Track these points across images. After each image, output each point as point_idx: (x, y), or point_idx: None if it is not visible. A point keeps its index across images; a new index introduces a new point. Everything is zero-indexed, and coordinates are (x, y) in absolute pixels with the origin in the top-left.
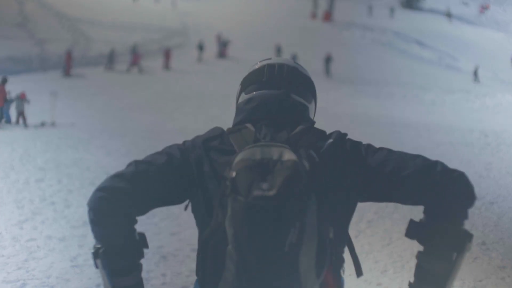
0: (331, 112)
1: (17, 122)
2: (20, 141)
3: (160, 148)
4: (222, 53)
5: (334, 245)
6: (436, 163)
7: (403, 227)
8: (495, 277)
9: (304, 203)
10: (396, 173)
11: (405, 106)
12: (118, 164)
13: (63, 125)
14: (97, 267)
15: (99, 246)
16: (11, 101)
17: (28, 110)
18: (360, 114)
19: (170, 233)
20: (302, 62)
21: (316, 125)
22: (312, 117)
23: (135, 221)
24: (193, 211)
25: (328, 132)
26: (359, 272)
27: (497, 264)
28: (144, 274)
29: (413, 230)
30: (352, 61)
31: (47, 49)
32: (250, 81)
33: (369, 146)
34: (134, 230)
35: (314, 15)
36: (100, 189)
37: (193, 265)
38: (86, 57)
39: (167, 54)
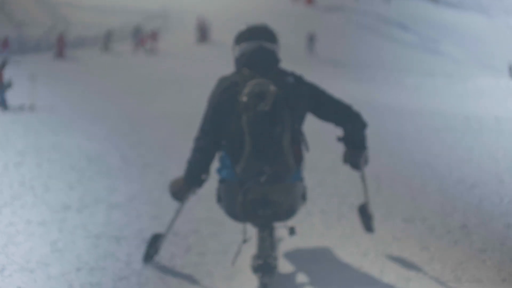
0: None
1: None
2: None
3: (140, 131)
4: (203, 37)
5: (298, 132)
6: (357, 113)
7: (386, 211)
8: (476, 260)
9: (283, 112)
10: (329, 102)
11: (387, 90)
12: (99, 148)
13: (42, 109)
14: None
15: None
16: (7, 85)
17: (8, 93)
18: (342, 97)
19: (151, 217)
20: (283, 44)
21: None
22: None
23: (213, 157)
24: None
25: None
26: (307, 147)
27: (478, 247)
28: (124, 257)
29: (341, 140)
30: (334, 44)
31: (25, 32)
32: (240, 38)
33: (315, 86)
34: (210, 164)
35: None
36: (193, 150)
37: (173, 249)
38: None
39: (153, 37)
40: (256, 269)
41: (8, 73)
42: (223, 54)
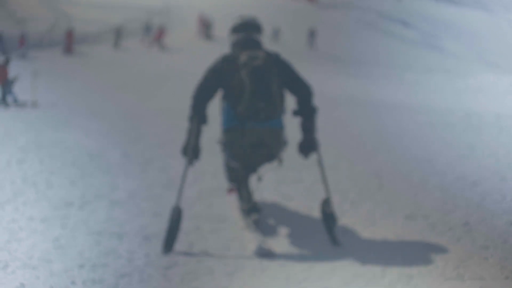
0: (314, 92)
1: None
2: (0, 122)
3: (140, 127)
4: (207, 35)
5: (281, 88)
6: (308, 85)
7: (386, 207)
8: (478, 257)
9: (271, 68)
10: (296, 75)
11: (387, 86)
12: (99, 145)
13: (44, 105)
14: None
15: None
16: (12, 81)
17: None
18: (342, 94)
19: (152, 214)
20: (285, 40)
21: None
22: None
23: (208, 102)
24: (224, 88)
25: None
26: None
27: (480, 245)
28: (126, 254)
29: (297, 113)
30: (335, 40)
31: (27, 28)
32: (235, 29)
33: (289, 64)
34: (205, 107)
35: None
36: (194, 91)
37: (176, 246)
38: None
39: (160, 33)
40: (248, 211)
41: (14, 69)
42: (224, 49)
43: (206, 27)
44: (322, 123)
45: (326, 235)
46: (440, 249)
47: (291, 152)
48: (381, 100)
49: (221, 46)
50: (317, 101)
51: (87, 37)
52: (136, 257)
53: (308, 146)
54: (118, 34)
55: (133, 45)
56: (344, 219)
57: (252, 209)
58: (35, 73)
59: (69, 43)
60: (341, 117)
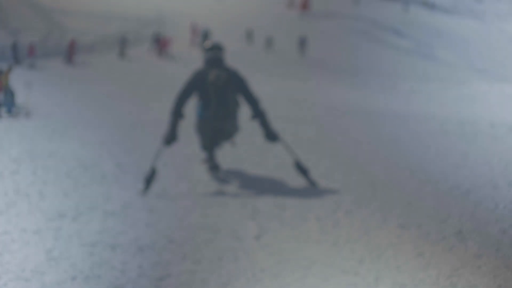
0: (309, 102)
1: None
2: None
3: (135, 138)
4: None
5: (235, 97)
6: (257, 96)
7: (381, 217)
8: (471, 266)
9: (229, 86)
10: (249, 91)
11: (382, 95)
12: (94, 155)
13: (38, 115)
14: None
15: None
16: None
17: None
18: (336, 103)
19: (146, 225)
20: (278, 49)
21: (294, 114)
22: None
23: (185, 103)
24: (197, 95)
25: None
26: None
27: (474, 253)
28: (119, 266)
29: (253, 117)
30: (329, 50)
31: (20, 39)
32: (207, 50)
33: (244, 79)
34: (182, 107)
35: (291, 4)
36: (176, 95)
37: (169, 257)
38: (61, 47)
39: (162, 42)
40: (212, 167)
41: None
42: None
43: (202, 37)
44: (316, 132)
45: (307, 183)
46: (433, 258)
47: (289, 160)
48: (375, 108)
49: None
50: (311, 110)
51: (82, 47)
52: (130, 269)
53: (271, 136)
54: (123, 43)
55: (134, 54)
56: (339, 228)
57: (214, 167)
58: (28, 84)
59: (71, 53)
60: (335, 126)
